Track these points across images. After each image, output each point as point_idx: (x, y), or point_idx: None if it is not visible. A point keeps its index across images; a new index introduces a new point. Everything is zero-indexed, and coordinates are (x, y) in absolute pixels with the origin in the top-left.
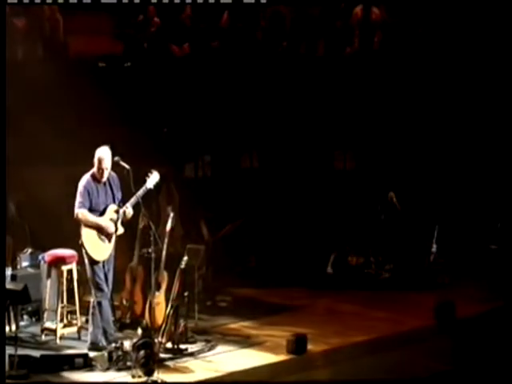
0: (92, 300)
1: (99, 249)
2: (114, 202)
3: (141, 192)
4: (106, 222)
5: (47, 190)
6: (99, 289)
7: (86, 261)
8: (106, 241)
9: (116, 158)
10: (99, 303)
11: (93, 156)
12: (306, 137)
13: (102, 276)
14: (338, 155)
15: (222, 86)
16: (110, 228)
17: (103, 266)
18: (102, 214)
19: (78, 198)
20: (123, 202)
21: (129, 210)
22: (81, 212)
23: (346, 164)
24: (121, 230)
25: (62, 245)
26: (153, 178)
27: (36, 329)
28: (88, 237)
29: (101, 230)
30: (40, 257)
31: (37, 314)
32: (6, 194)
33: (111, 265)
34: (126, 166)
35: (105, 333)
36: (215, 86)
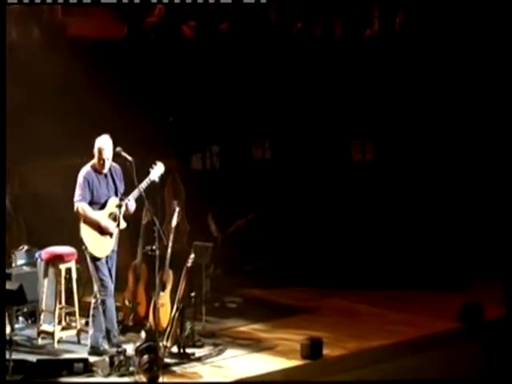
0: (93, 301)
1: (100, 244)
2: (116, 194)
3: (144, 184)
4: (105, 220)
5: (44, 183)
6: (104, 285)
7: (88, 257)
8: (107, 236)
9: (117, 149)
10: (103, 301)
11: (93, 146)
12: (322, 125)
13: (106, 272)
14: (355, 145)
15: (232, 71)
16: (110, 228)
17: (106, 262)
18: (103, 207)
19: (78, 191)
20: (126, 196)
21: (131, 202)
22: (81, 206)
23: (364, 155)
24: (123, 225)
25: (61, 242)
26: (157, 170)
27: (32, 331)
28: (88, 232)
29: (100, 227)
30: (37, 254)
31: (33, 316)
32: (5, 193)
33: (114, 262)
34: (128, 158)
35: (108, 334)
36: (224, 70)
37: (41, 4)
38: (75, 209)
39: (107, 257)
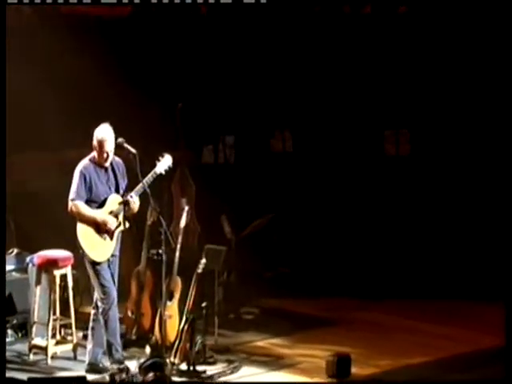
0: (92, 312)
1: (98, 248)
2: (118, 192)
3: (149, 178)
4: (103, 215)
5: (37, 179)
6: (107, 293)
7: (87, 261)
8: (107, 238)
9: (120, 140)
10: (105, 311)
11: (92, 137)
12: (350, 113)
13: (108, 277)
14: (389, 136)
15: (250, 52)
16: (109, 223)
17: (108, 267)
18: (102, 205)
19: (73, 188)
20: (128, 192)
21: (134, 199)
22: (75, 204)
23: (398, 148)
24: (125, 225)
25: (55, 245)
26: (164, 162)
27: (23, 346)
28: (85, 233)
29: (98, 226)
30: (28, 259)
31: (24, 329)
32: (5, 192)
33: (115, 268)
34: (132, 150)
35: (109, 348)
36: (241, 51)
37: (41, 4)
38: (69, 208)
39: (108, 261)
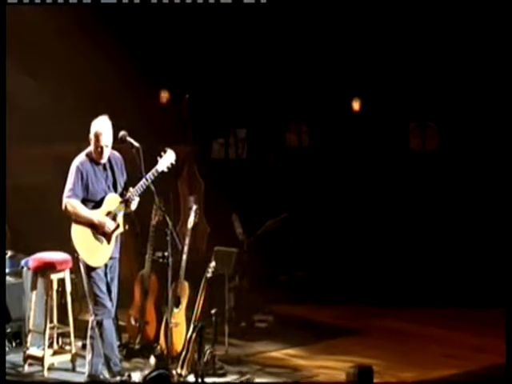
0: (91, 319)
1: (94, 251)
2: (116, 189)
3: (149, 176)
4: (100, 216)
5: (31, 176)
6: (100, 304)
7: (82, 267)
8: (104, 241)
9: (122, 133)
10: (99, 323)
11: (89, 130)
12: (372, 105)
13: (103, 287)
14: (414, 129)
15: (262, 38)
16: (106, 225)
17: (105, 274)
18: (99, 204)
19: (68, 185)
20: (127, 190)
21: (133, 197)
22: (70, 203)
23: (425, 141)
24: (125, 227)
25: (52, 246)
26: (166, 159)
27: (17, 357)
28: (80, 235)
29: (94, 228)
30: (23, 262)
31: (18, 338)
32: (5, 192)
33: (115, 272)
34: (135, 144)
35: (107, 362)
36: (253, 36)
37: (41, 4)
38: (63, 207)
39: (106, 266)
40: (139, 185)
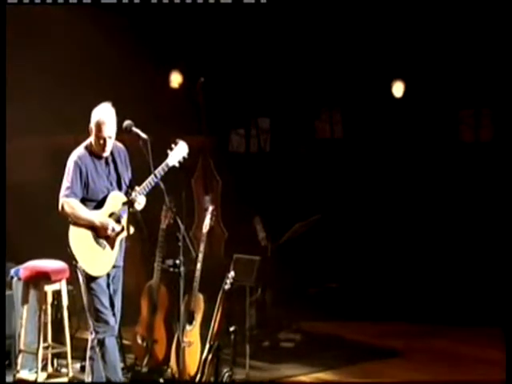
0: (91, 337)
1: (96, 258)
2: (120, 187)
3: (159, 172)
4: (102, 218)
5: (21, 171)
6: (101, 320)
7: (80, 277)
8: (107, 246)
9: (127, 123)
10: (101, 342)
11: (88, 119)
12: (416, 90)
13: (105, 300)
14: (465, 117)
15: (289, 16)
16: (110, 227)
17: (107, 286)
18: (100, 205)
19: (66, 182)
20: (133, 188)
21: (138, 199)
22: (67, 202)
23: (478, 132)
24: (130, 230)
25: (47, 253)
26: (178, 151)
27: (6, 380)
28: (79, 240)
29: (96, 231)
30: (12, 271)
31: (7, 358)
32: (5, 192)
33: (119, 283)
34: (142, 135)
35: None
36: (278, 14)
37: (41, 4)
38: (60, 207)
39: (108, 276)
40: (146, 182)
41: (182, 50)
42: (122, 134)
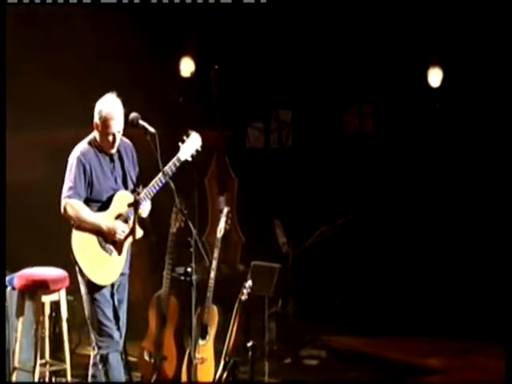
0: (93, 353)
1: (102, 265)
2: (127, 186)
3: (170, 168)
4: (108, 220)
5: (17, 169)
6: (104, 334)
7: (82, 286)
8: (114, 251)
9: (133, 115)
10: (104, 358)
11: (92, 112)
12: (455, 78)
13: (109, 312)
14: None
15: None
16: (118, 230)
17: (111, 296)
18: (105, 206)
19: (68, 182)
20: (140, 187)
21: (143, 202)
22: (71, 204)
23: None
24: (138, 234)
25: (44, 260)
26: (190, 144)
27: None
28: (83, 245)
29: (102, 236)
30: (7, 280)
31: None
32: (5, 192)
33: (124, 293)
34: (150, 129)
35: None
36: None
37: (41, 4)
38: (62, 209)
39: (112, 285)
40: (154, 182)
41: (193, 33)
42: (127, 127)
